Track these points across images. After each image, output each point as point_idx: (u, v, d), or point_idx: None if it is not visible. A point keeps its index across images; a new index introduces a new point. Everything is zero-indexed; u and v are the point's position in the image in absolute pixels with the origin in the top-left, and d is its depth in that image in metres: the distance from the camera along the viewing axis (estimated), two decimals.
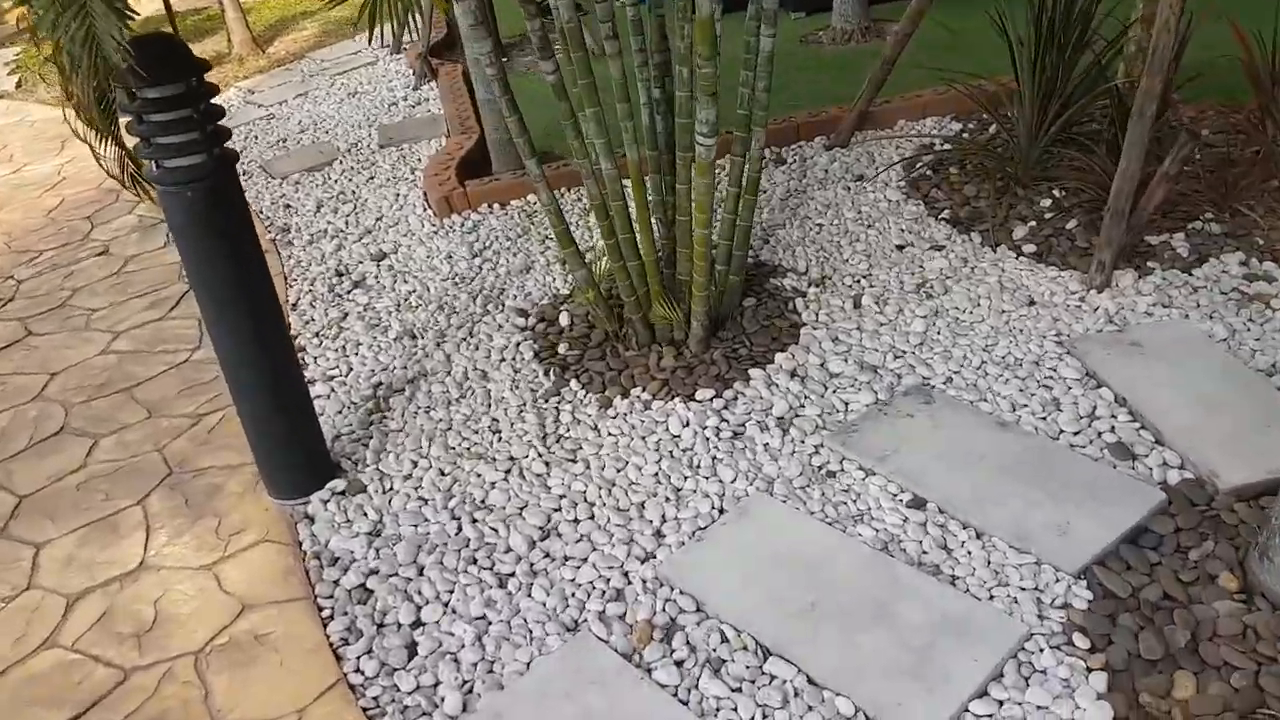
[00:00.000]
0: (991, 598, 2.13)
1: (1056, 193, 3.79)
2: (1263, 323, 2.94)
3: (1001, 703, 1.91)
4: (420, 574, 2.40)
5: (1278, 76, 3.72)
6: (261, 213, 4.72)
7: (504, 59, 4.73)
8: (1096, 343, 2.90)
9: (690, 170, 3.01)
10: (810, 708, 1.94)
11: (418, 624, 2.27)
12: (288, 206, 4.83)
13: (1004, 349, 2.96)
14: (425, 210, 4.49)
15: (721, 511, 2.45)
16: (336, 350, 3.44)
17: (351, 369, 3.32)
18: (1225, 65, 3.94)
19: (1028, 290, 3.26)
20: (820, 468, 2.58)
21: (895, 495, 2.44)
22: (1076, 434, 2.58)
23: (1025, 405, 2.71)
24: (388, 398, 3.12)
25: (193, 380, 3.39)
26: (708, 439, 2.71)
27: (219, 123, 2.26)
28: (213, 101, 2.23)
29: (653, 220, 3.07)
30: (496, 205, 4.46)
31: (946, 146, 4.34)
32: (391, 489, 2.70)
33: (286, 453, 2.64)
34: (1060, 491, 2.36)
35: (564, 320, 3.40)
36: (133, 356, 3.62)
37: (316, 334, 3.58)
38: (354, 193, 4.83)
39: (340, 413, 3.07)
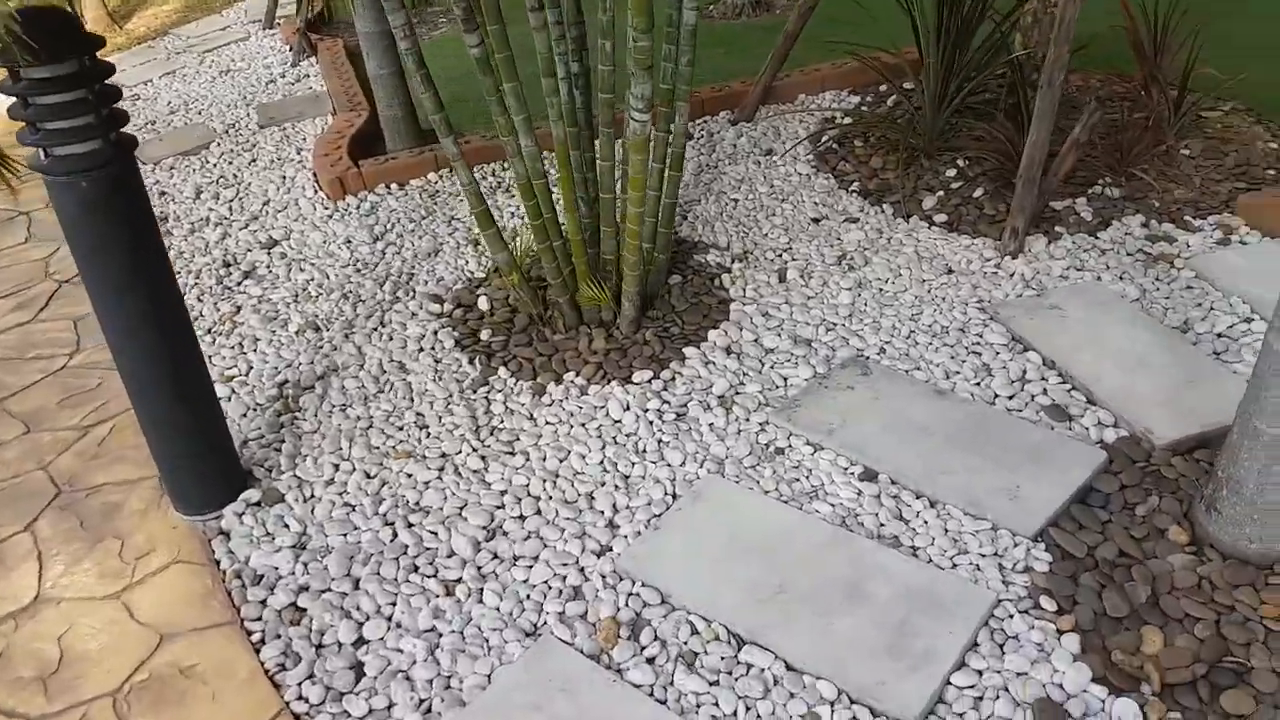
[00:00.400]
0: (954, 566, 2.12)
1: (960, 162, 3.84)
2: (1169, 282, 3.04)
3: (981, 673, 1.90)
4: (356, 587, 2.24)
5: (1159, 47, 3.88)
6: None
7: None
8: (1018, 308, 2.95)
9: (613, 147, 2.90)
10: (792, 695, 1.89)
11: (361, 642, 2.11)
12: (163, 194, 4.47)
13: (930, 318, 2.98)
14: (317, 193, 4.23)
15: (675, 497, 2.37)
16: (233, 348, 3.19)
17: (252, 367, 3.08)
18: (1109, 36, 4.08)
19: (944, 259, 3.29)
20: (768, 445, 2.53)
21: (846, 469, 2.41)
22: (1011, 398, 2.61)
23: (958, 372, 2.73)
24: (297, 397, 2.90)
25: (74, 388, 3.08)
26: (650, 422, 2.63)
27: (115, 105, 2.01)
28: (108, 82, 1.99)
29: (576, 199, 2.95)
30: (395, 185, 4.24)
31: (848, 120, 4.35)
32: (313, 496, 2.51)
33: (195, 462, 2.41)
34: (1005, 456, 2.37)
35: (483, 305, 3.24)
36: (2, 365, 3.26)
37: (209, 331, 3.32)
38: (235, 176, 4.51)
39: (245, 416, 2.84)
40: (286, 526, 2.42)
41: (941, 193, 3.68)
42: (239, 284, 3.61)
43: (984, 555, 2.14)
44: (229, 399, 2.93)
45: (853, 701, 1.87)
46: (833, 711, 1.85)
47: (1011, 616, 2.00)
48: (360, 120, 4.81)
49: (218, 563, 2.35)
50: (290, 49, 6.25)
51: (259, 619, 2.18)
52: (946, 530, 2.22)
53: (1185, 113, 3.85)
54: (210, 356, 3.16)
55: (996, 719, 1.82)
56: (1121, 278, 3.08)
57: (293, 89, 5.60)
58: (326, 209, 4.09)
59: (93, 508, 2.56)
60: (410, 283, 3.46)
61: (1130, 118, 3.82)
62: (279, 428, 2.78)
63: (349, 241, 3.80)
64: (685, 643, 2.01)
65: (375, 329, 3.20)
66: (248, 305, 3.43)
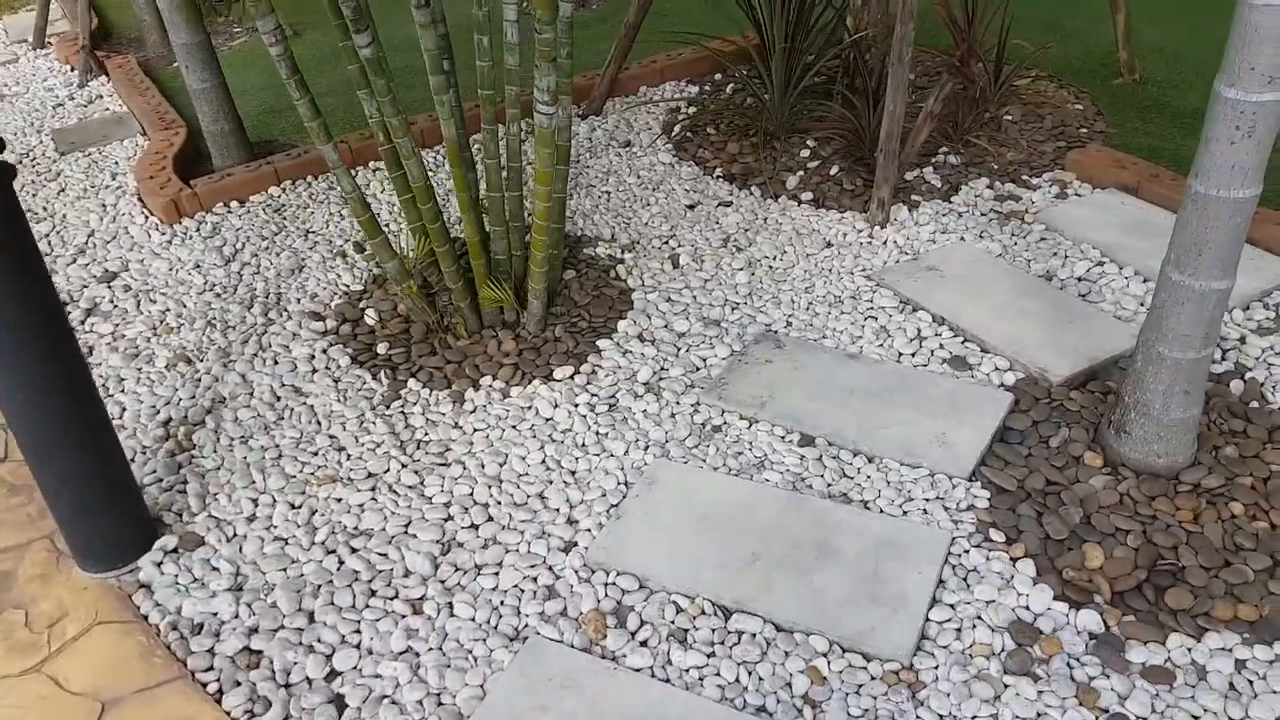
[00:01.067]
0: (905, 514, 2.24)
1: (810, 143, 4.03)
2: (1024, 236, 3.32)
3: (954, 606, 2.02)
4: (312, 621, 2.10)
5: (972, 19, 4.21)
6: None
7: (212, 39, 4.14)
8: (899, 273, 3.14)
9: (498, 144, 2.86)
10: (788, 653, 1.94)
11: (333, 675, 1.99)
12: None
13: (822, 289, 3.12)
14: (148, 218, 3.90)
15: (628, 485, 2.37)
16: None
17: (125, 409, 2.82)
18: (923, 11, 4.39)
19: (820, 234, 3.45)
20: (704, 425, 2.57)
21: (784, 437, 2.49)
22: (914, 355, 2.78)
23: (860, 336, 2.87)
24: (189, 434, 2.68)
25: None
26: (584, 416, 2.61)
27: None
28: None
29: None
30: (235, 203, 3.99)
31: (693, 109, 4.47)
32: (237, 535, 2.33)
33: (103, 515, 2.19)
34: (926, 407, 2.52)
35: (371, 318, 3.11)
36: None
37: None
38: (46, 209, 4.09)
39: (134, 460, 2.60)
40: (215, 570, 2.24)
41: (801, 173, 3.85)
42: (84, 322, 3.29)
43: (929, 500, 2.27)
44: None
45: (845, 650, 1.94)
46: (829, 662, 1.91)
47: (968, 551, 2.13)
48: (179, 139, 4.49)
49: (145, 617, 2.14)
50: (74, 69, 5.73)
51: (210, 669, 2.01)
52: (889, 482, 2.33)
53: (1004, 82, 4.20)
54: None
55: (979, 645, 1.94)
56: (981, 236, 3.33)
57: (86, 111, 5.13)
58: (163, 234, 3.79)
59: None
60: (280, 303, 3.26)
61: (961, 90, 4.13)
62: (176, 469, 2.56)
63: (198, 266, 3.54)
64: (673, 622, 2.02)
65: (256, 354, 3.00)
66: (101, 344, 3.13)
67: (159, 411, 2.78)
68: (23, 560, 2.32)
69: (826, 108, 4.01)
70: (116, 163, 4.48)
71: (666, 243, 3.46)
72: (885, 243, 3.35)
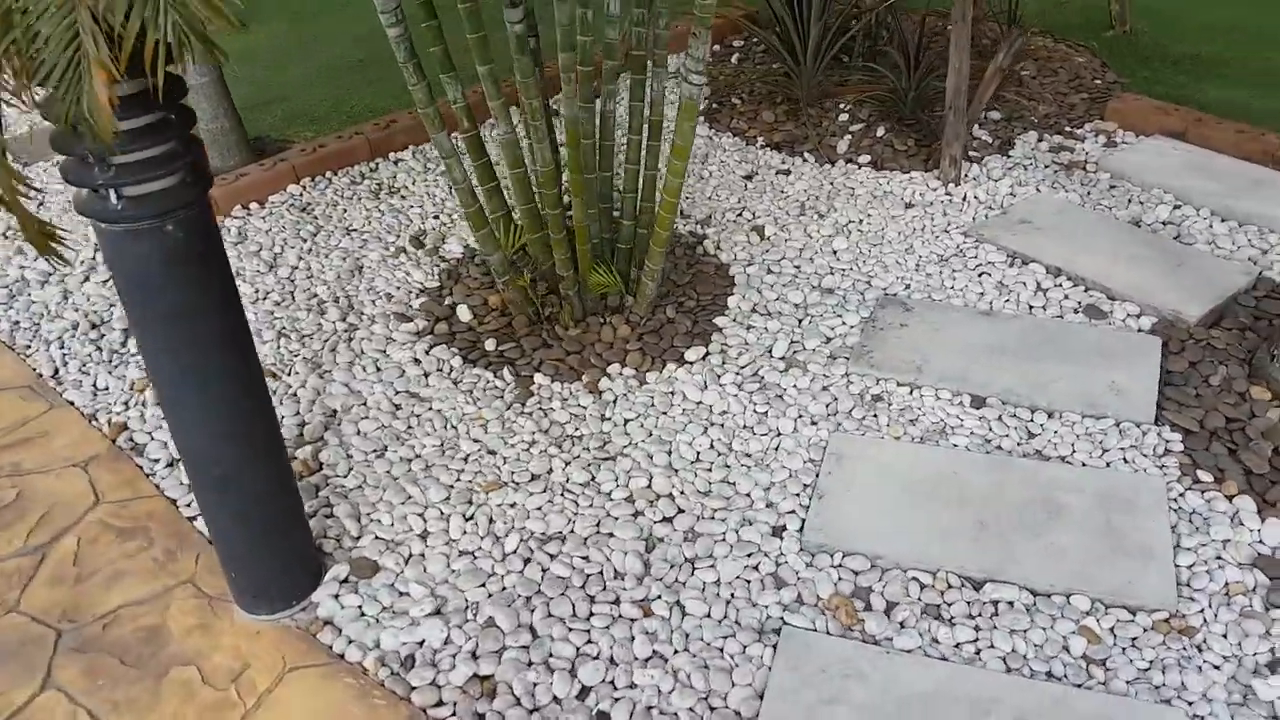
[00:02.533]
0: (1109, 465, 2.23)
1: (844, 107, 3.99)
2: (1094, 184, 3.36)
3: (1194, 550, 2.01)
4: (536, 635, 1.96)
5: None
6: None
7: None
8: (995, 228, 3.13)
9: (595, 121, 2.72)
10: (1054, 617, 1.90)
11: (585, 691, 1.85)
12: None
13: (923, 249, 3.09)
14: None
15: (815, 462, 2.29)
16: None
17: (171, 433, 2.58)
18: None
19: (895, 195, 3.42)
20: (863, 394, 2.51)
21: (953, 400, 2.45)
22: (1044, 307, 2.78)
23: (983, 293, 2.85)
24: (315, 454, 2.48)
25: None
26: (735, 396, 2.51)
27: (194, 129, 1.59)
28: (182, 102, 1.56)
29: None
30: (254, 205, 3.71)
31: (716, 78, 4.38)
32: (414, 554, 2.16)
33: (277, 549, 1.99)
34: (1080, 358, 2.52)
35: (464, 314, 2.93)
36: None
37: (126, 404, 2.73)
38: None
39: None
40: (406, 594, 2.06)
41: (848, 136, 3.81)
42: (123, 345, 3.00)
43: (1124, 449, 2.26)
44: None
45: (1108, 606, 1.91)
46: (1097, 620, 1.88)
47: (1183, 494, 2.13)
48: None
49: (342, 656, 1.96)
50: None
51: (440, 703, 1.85)
52: (1078, 434, 2.32)
53: (1015, 41, 4.24)
54: (151, 433, 2.61)
55: (1233, 584, 1.94)
56: (1054, 186, 3.36)
57: (34, 119, 4.69)
58: (64, 245, 3.48)
59: (125, 639, 2.03)
60: (354, 306, 3.05)
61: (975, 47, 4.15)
62: (314, 491, 2.35)
63: (240, 274, 3.28)
64: (920, 599, 1.96)
65: (352, 362, 2.80)
66: None
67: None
68: (168, 610, 2.09)
69: (855, 72, 3.98)
70: None
71: (740, 214, 3.37)
72: (965, 199, 3.33)
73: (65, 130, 1.41)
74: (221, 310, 1.69)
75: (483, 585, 2.07)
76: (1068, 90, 4.11)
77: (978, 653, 1.85)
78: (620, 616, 1.97)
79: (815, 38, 3.95)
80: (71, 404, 2.72)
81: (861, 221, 3.26)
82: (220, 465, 1.82)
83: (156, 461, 2.48)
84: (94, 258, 3.43)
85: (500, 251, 2.78)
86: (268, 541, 1.96)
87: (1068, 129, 3.78)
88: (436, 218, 3.50)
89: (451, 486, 2.32)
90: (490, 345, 2.81)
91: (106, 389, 2.78)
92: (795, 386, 2.53)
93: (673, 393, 2.55)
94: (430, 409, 2.58)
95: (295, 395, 2.67)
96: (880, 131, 3.82)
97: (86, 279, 3.33)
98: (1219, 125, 3.54)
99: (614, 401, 2.55)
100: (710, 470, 2.30)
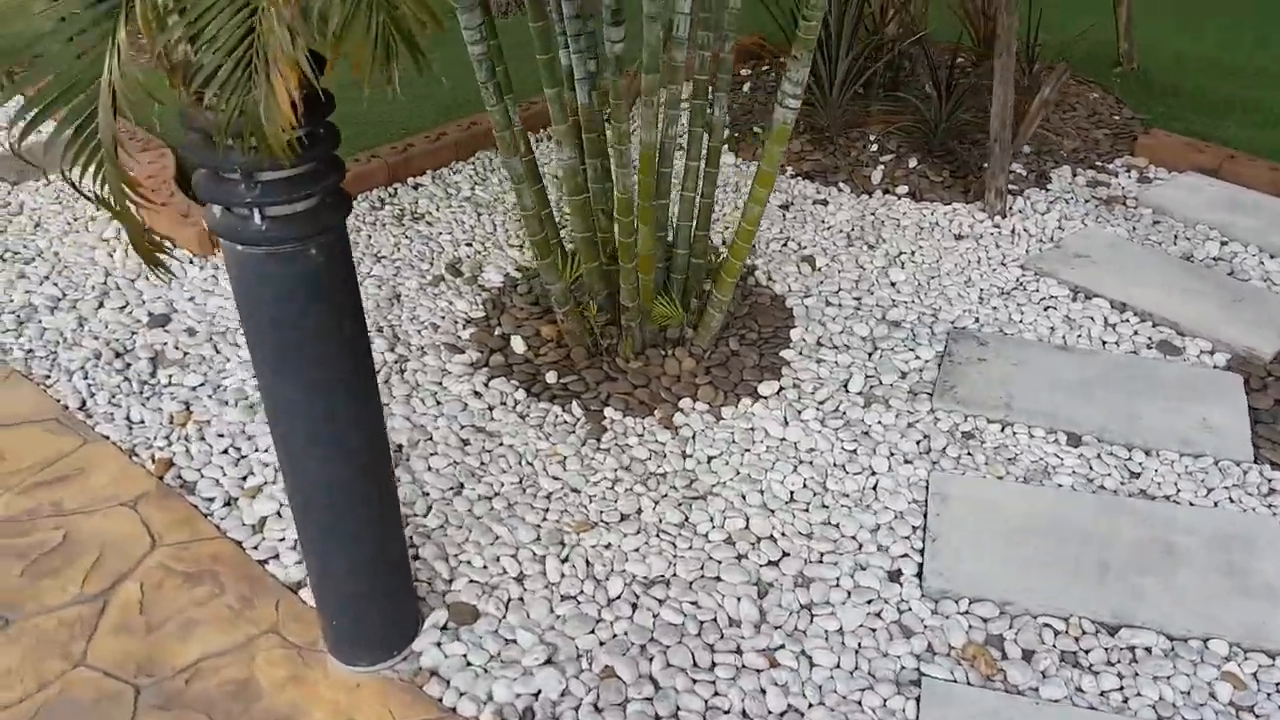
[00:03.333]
0: (1215, 504, 2.20)
1: (871, 137, 3.99)
2: (1138, 220, 3.38)
3: None
4: (659, 687, 1.85)
5: (994, 14, 4.25)
6: None
7: None
8: (1052, 261, 3.12)
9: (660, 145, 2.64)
10: (1194, 664, 1.86)
11: None
12: None
13: (985, 282, 3.06)
14: (174, 250, 3.42)
15: (920, 503, 2.22)
16: (224, 453, 2.49)
17: (279, 470, 2.44)
18: (937, 8, 4.44)
19: (942, 227, 3.40)
20: (954, 431, 2.45)
21: (1048, 438, 2.41)
22: (1116, 343, 2.76)
23: (1054, 328, 2.83)
24: None
25: (26, 550, 2.22)
26: (819, 432, 2.44)
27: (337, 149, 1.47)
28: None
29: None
30: None
31: (731, 107, 4.34)
32: (514, 598, 2.04)
33: (381, 597, 1.85)
34: (1166, 393, 2.50)
35: (518, 346, 2.82)
36: None
37: (168, 438, 2.56)
38: (29, 249, 3.49)
39: None
40: (513, 642, 1.94)
41: (881, 167, 3.79)
42: (153, 375, 2.83)
43: (1229, 488, 2.24)
44: (276, 515, 2.29)
45: (1246, 651, 1.87)
46: (1240, 665, 1.84)
47: None
48: (169, 159, 3.98)
49: (454, 710, 1.82)
50: None
51: None
52: (1179, 473, 2.29)
53: (1037, 75, 4.30)
54: (200, 470, 2.45)
55: None
56: (1098, 221, 3.37)
57: (10, 135, 4.45)
58: (200, 268, 3.33)
59: (211, 694, 1.87)
60: (399, 336, 2.92)
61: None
62: None
63: None
64: (1055, 645, 1.90)
65: (409, 395, 2.66)
66: (196, 400, 2.70)
67: None
68: (254, 661, 1.93)
69: (877, 102, 3.99)
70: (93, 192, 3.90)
71: (785, 244, 3.32)
72: (1014, 232, 3.33)
73: (219, 141, 1.29)
74: (352, 341, 1.57)
75: (592, 632, 1.95)
76: (1089, 125, 4.16)
77: (1125, 701, 1.79)
78: (745, 667, 1.87)
79: (844, 68, 3.94)
80: (106, 438, 2.54)
81: (914, 253, 3.22)
82: (335, 507, 1.69)
83: (211, 500, 2.32)
84: (104, 282, 3.24)
85: (562, 281, 2.68)
86: (377, 588, 1.82)
87: (1098, 163, 3.81)
88: (469, 245, 3.38)
89: (539, 526, 2.20)
90: (551, 378, 2.70)
91: (142, 422, 2.60)
92: (880, 423, 2.47)
93: (753, 429, 2.47)
94: (501, 444, 2.46)
95: None
96: (913, 162, 3.81)
97: (100, 305, 3.14)
98: (1251, 163, 3.59)
99: (692, 438, 2.46)
100: (808, 511, 2.22)
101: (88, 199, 1.42)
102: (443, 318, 2.98)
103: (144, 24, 1.12)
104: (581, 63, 2.63)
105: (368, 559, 1.77)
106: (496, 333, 2.88)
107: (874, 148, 3.91)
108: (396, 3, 1.15)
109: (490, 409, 2.58)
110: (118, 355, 2.88)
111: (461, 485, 2.32)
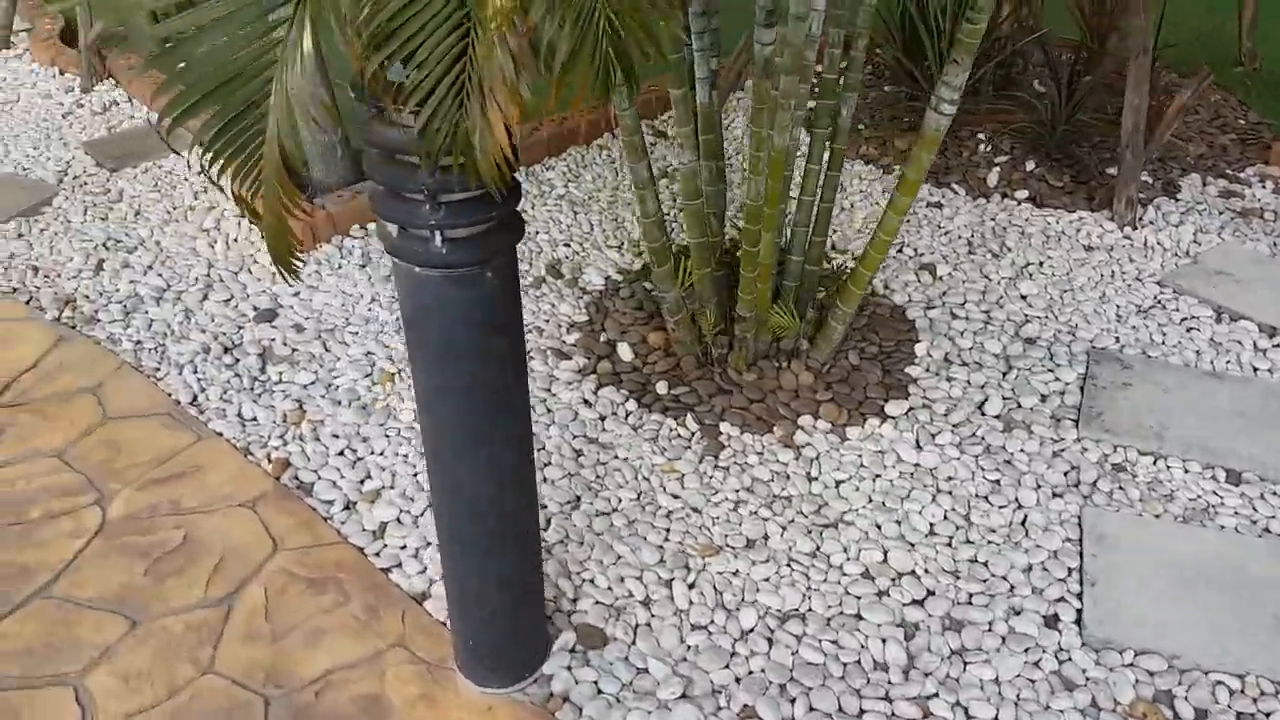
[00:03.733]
0: None
1: (981, 137, 3.81)
2: (1278, 234, 3.17)
3: None
4: None
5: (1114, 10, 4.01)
6: None
7: None
8: (1191, 278, 2.94)
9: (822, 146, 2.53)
10: None
11: None
12: (34, 269, 3.38)
13: (1121, 299, 2.90)
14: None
15: (1074, 541, 2.09)
16: (341, 454, 2.44)
17: (396, 474, 2.37)
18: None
19: (1070, 237, 3.23)
20: (1103, 462, 2.30)
21: (1205, 474, 2.26)
22: (1270, 370, 2.59)
23: (1199, 351, 2.66)
24: None
25: (147, 550, 2.19)
26: (958, 459, 2.31)
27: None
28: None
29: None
30: (371, 225, 3.51)
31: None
32: (641, 623, 1.95)
33: (514, 614, 1.77)
34: None
35: (625, 353, 2.73)
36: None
37: (283, 438, 2.52)
38: (131, 237, 3.50)
39: None
40: (644, 671, 1.85)
41: (996, 169, 3.62)
42: (263, 370, 2.79)
43: None
44: (396, 521, 2.23)
45: None
46: None
47: None
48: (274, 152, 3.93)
49: None
50: (62, 72, 5.06)
51: None
52: None
53: (1155, 76, 4.07)
54: (318, 471, 2.40)
55: None
56: (1236, 235, 3.17)
57: (108, 120, 4.47)
58: (302, 262, 3.26)
59: (342, 708, 1.81)
60: None
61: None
62: None
63: (376, 300, 3.07)
64: (1230, 706, 1.76)
65: None
66: (308, 397, 2.65)
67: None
68: (384, 677, 1.87)
69: (986, 101, 3.81)
70: (186, 179, 3.90)
71: (900, 250, 3.17)
72: (1147, 244, 3.15)
73: (425, 163, 1.21)
74: (516, 359, 1.49)
75: (726, 667, 1.86)
76: (1214, 130, 3.94)
77: None
78: (896, 715, 1.76)
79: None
80: (219, 435, 2.51)
81: (1042, 264, 3.06)
82: (487, 525, 1.61)
83: (330, 504, 2.27)
84: (208, 274, 3.22)
85: (677, 289, 2.58)
86: (514, 606, 1.75)
87: (1229, 171, 3.60)
88: (567, 245, 3.30)
89: (661, 547, 2.11)
90: (662, 388, 2.61)
91: (255, 419, 2.57)
92: (1023, 450, 2.33)
93: (882, 452, 2.35)
94: (615, 457, 2.38)
95: None
96: (1030, 165, 3.64)
97: (205, 297, 3.12)
98: None
99: (816, 459, 2.35)
100: (952, 546, 2.10)
101: (238, 204, 1.35)
102: (546, 321, 2.90)
103: (351, 41, 1.04)
104: (704, 61, 2.52)
105: (508, 576, 1.69)
106: (602, 338, 2.80)
107: (986, 148, 3.74)
108: (624, 29, 1.05)
109: (601, 419, 2.50)
110: (226, 350, 2.86)
111: (578, 499, 2.24)
